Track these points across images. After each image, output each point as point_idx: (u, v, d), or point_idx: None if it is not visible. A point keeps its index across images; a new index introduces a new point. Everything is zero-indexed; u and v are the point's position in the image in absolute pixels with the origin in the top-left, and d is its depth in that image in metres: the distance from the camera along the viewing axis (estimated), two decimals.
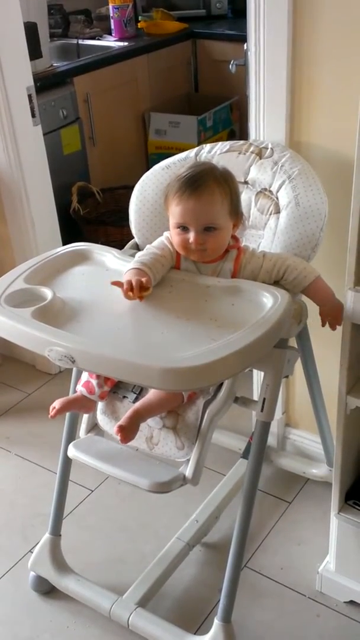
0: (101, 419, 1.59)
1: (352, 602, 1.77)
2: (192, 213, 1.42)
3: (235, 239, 1.52)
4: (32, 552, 1.87)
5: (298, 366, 1.67)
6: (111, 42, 3.43)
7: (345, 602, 1.78)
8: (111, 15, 3.43)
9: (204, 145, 1.71)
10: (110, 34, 3.49)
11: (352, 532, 1.66)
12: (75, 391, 1.58)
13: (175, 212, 1.44)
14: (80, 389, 1.56)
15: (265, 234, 1.62)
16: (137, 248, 1.69)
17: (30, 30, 2.62)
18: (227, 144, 1.69)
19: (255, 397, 2.06)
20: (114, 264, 1.55)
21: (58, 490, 1.80)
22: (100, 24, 3.57)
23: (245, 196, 1.63)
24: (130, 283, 1.38)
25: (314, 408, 1.86)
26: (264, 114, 1.74)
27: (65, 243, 1.98)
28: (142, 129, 3.50)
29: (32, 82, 2.35)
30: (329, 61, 1.61)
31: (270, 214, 1.60)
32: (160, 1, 3.69)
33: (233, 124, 3.61)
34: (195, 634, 1.68)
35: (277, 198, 1.59)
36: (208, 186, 1.42)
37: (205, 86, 3.71)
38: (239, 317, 1.35)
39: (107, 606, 1.70)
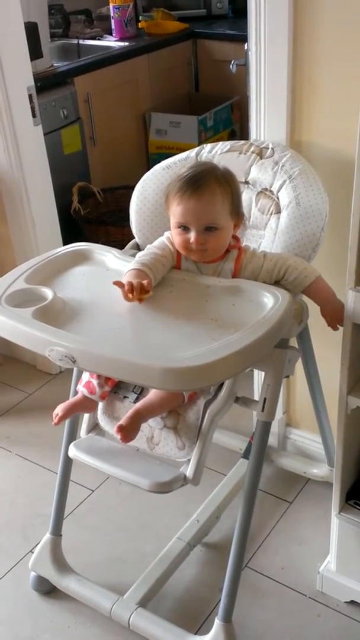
0: (102, 419, 1.59)
1: (352, 602, 1.77)
2: (193, 213, 1.42)
3: (236, 239, 1.52)
4: (32, 552, 1.87)
5: (299, 366, 1.68)
6: (112, 42, 3.43)
7: (346, 602, 1.78)
8: (112, 15, 3.43)
9: (204, 145, 1.71)
10: (110, 34, 3.49)
11: (353, 532, 1.66)
12: (76, 391, 1.58)
13: (176, 211, 1.44)
14: (81, 389, 1.56)
15: (266, 234, 1.62)
16: (138, 248, 1.69)
17: (31, 30, 2.62)
18: (227, 144, 1.69)
19: (256, 397, 2.05)
20: (115, 264, 1.55)
21: (59, 490, 1.80)
22: (101, 24, 3.57)
23: (246, 196, 1.63)
24: (131, 285, 1.38)
25: (314, 408, 1.86)
26: (265, 114, 1.74)
27: (65, 243, 1.98)
28: (142, 129, 3.50)
29: (32, 82, 2.35)
30: (330, 61, 1.61)
31: (271, 214, 1.60)
32: (160, 1, 3.69)
33: (234, 124, 3.61)
34: (196, 634, 1.68)
35: (277, 198, 1.59)
36: (209, 186, 1.42)
37: (206, 86, 3.71)
38: (240, 317, 1.35)
39: (108, 606, 1.70)
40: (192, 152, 1.70)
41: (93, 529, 2.04)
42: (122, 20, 3.41)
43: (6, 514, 2.11)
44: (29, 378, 2.69)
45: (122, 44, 3.39)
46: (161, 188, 1.65)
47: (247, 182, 1.64)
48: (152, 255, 1.48)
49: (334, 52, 1.59)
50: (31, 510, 2.11)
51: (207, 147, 1.70)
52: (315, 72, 1.64)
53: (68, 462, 1.74)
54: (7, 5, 2.21)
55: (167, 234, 1.53)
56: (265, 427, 1.51)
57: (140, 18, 3.55)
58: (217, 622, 1.60)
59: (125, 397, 1.55)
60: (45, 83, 2.84)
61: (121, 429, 1.43)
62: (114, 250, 1.59)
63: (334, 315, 1.49)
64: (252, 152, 1.65)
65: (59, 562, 1.82)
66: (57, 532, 1.83)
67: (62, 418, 1.55)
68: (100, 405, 1.58)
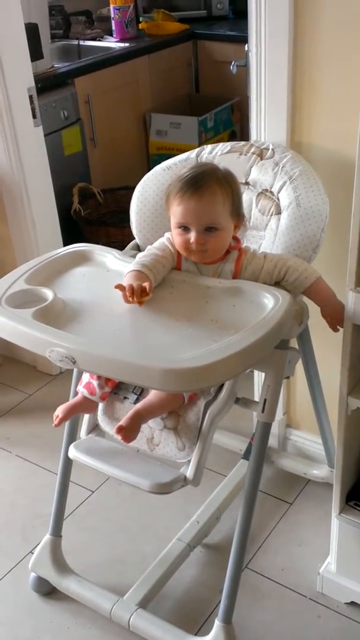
0: (102, 420, 1.59)
1: (353, 603, 1.77)
2: (193, 213, 1.42)
3: (236, 240, 1.52)
4: (32, 553, 1.87)
5: (299, 367, 1.67)
6: (112, 43, 3.43)
7: (346, 603, 1.78)
8: (112, 16, 3.43)
9: (205, 146, 1.71)
10: (111, 35, 3.49)
11: (353, 533, 1.66)
12: (76, 392, 1.58)
13: (176, 212, 1.44)
14: (82, 390, 1.56)
15: (266, 235, 1.62)
16: (138, 249, 1.69)
17: (31, 31, 2.62)
18: (228, 145, 1.69)
19: (256, 398, 2.06)
20: (115, 264, 1.55)
21: (59, 491, 1.80)
22: (101, 25, 3.57)
23: (246, 197, 1.63)
24: (132, 288, 1.38)
25: (314, 409, 1.86)
26: (265, 115, 1.74)
27: (66, 244, 1.98)
28: (143, 130, 3.50)
29: (33, 83, 2.35)
30: (330, 62, 1.61)
31: (271, 215, 1.60)
32: (161, 2, 3.69)
33: (234, 125, 3.61)
34: (196, 635, 1.67)
35: (278, 199, 1.59)
36: (210, 186, 1.42)
37: (206, 87, 3.71)
38: (240, 318, 1.35)
39: (108, 607, 1.70)
40: (192, 153, 1.70)
41: (93, 530, 2.04)
42: (122, 21, 3.41)
43: (6, 515, 2.11)
44: (29, 379, 2.69)
45: (122, 44, 3.39)
46: (161, 189, 1.65)
47: (247, 183, 1.64)
48: (152, 256, 1.48)
49: (334, 53, 1.59)
50: (31, 511, 2.11)
51: (208, 148, 1.70)
52: (316, 73, 1.64)
53: (68, 463, 1.74)
54: (8, 6, 2.21)
55: (167, 234, 1.53)
56: (266, 428, 1.50)
57: (141, 19, 3.55)
58: (217, 623, 1.60)
59: (125, 398, 1.55)
60: (46, 84, 2.84)
61: (121, 429, 1.43)
62: (115, 251, 1.59)
63: (334, 316, 1.49)
64: (253, 153, 1.65)
65: (59, 563, 1.81)
66: (57, 533, 1.83)
67: (63, 419, 1.56)
68: (101, 406, 1.58)
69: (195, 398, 1.49)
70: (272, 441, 2.15)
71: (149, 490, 1.45)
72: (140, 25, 3.52)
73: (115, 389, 1.56)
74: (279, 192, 1.58)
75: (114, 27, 3.45)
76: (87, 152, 3.16)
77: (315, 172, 1.58)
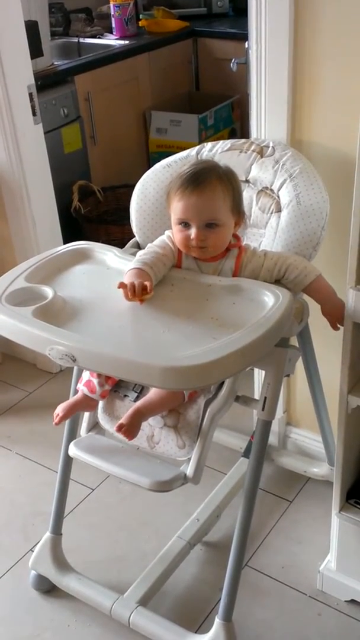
0: (102, 417, 1.59)
1: (353, 601, 1.77)
2: (194, 208, 1.42)
3: (236, 237, 1.52)
4: (32, 551, 1.87)
5: (299, 365, 1.67)
6: (112, 41, 3.43)
7: (346, 601, 1.78)
8: (112, 13, 3.42)
9: (205, 143, 1.71)
10: (111, 32, 3.49)
11: (353, 531, 1.66)
12: (76, 390, 1.58)
13: (177, 208, 1.44)
14: (82, 387, 1.55)
15: (267, 233, 1.62)
16: (138, 247, 1.69)
17: (31, 28, 2.62)
18: (228, 143, 1.69)
19: (257, 396, 2.05)
20: (115, 262, 1.55)
21: (59, 488, 1.80)
22: (101, 22, 3.56)
23: (247, 195, 1.63)
24: (133, 286, 1.38)
25: (315, 407, 1.86)
26: (265, 113, 1.73)
27: (66, 242, 1.98)
28: (143, 128, 3.50)
29: (33, 81, 2.35)
30: (331, 59, 1.60)
31: (272, 213, 1.60)
32: None
33: (234, 123, 3.60)
34: (196, 632, 1.68)
35: (278, 197, 1.59)
36: (210, 182, 1.42)
37: (207, 84, 3.70)
38: (240, 316, 1.35)
39: (108, 605, 1.70)
40: (192, 151, 1.70)
41: (93, 528, 2.04)
42: (122, 18, 3.41)
43: (6, 513, 2.11)
44: (29, 377, 2.69)
45: (122, 42, 3.39)
46: (162, 187, 1.64)
47: (247, 181, 1.64)
48: (153, 254, 1.48)
49: (334, 50, 1.59)
50: (31, 509, 2.11)
51: (208, 145, 1.70)
52: (316, 71, 1.63)
53: (68, 460, 1.74)
54: (8, 4, 2.20)
55: (167, 232, 1.53)
56: (266, 426, 1.50)
57: (141, 16, 3.55)
58: (217, 621, 1.60)
59: (125, 395, 1.55)
60: (46, 81, 2.84)
61: (121, 427, 1.43)
62: (115, 249, 1.59)
63: (335, 314, 1.49)
64: (253, 151, 1.65)
65: (59, 560, 1.82)
66: (57, 530, 1.83)
67: (63, 418, 1.56)
68: (101, 404, 1.58)
69: (196, 396, 1.49)
70: (272, 439, 2.15)
71: (149, 488, 1.45)
72: (140, 23, 3.51)
73: (115, 387, 1.56)
74: (279, 190, 1.58)
75: (114, 25, 3.45)
76: (87, 150, 3.16)
77: (315, 170, 1.58)
